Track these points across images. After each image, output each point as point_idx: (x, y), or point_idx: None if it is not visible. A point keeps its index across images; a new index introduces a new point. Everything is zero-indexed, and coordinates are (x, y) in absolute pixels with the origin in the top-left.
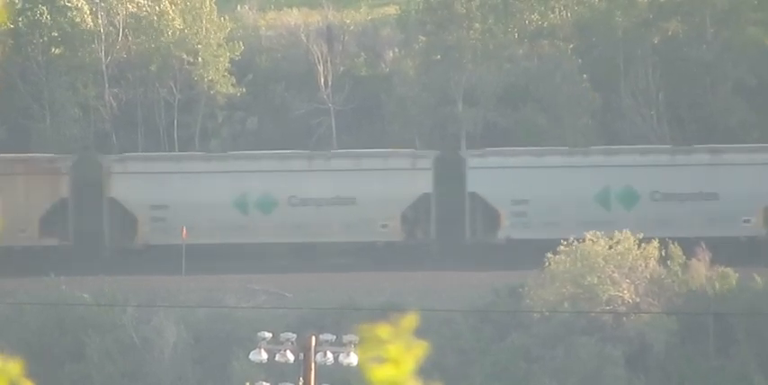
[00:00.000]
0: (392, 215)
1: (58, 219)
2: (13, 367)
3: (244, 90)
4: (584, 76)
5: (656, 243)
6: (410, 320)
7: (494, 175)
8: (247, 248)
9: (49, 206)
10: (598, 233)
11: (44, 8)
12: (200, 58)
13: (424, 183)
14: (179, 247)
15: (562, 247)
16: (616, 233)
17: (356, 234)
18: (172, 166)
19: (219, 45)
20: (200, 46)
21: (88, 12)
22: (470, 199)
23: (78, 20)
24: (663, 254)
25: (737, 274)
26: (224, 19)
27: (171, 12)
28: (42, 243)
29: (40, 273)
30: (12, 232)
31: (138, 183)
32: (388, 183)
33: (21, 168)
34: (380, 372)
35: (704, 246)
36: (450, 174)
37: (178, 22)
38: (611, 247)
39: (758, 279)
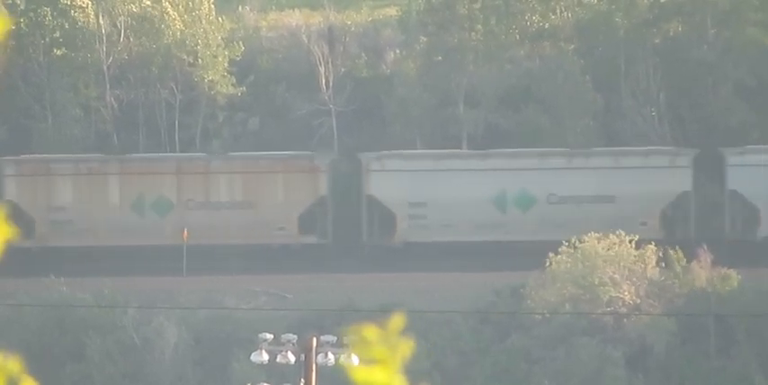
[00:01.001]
0: (651, 213)
1: (316, 216)
2: (14, 364)
3: (244, 89)
4: (586, 76)
5: (653, 245)
6: (397, 321)
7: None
8: (504, 246)
9: (309, 204)
10: (596, 234)
11: (46, 9)
12: (199, 59)
13: (683, 181)
14: (438, 245)
15: (563, 248)
16: (611, 236)
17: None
18: (430, 164)
19: (219, 46)
20: (199, 47)
21: (91, 13)
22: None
23: (80, 21)
24: (661, 255)
25: (739, 276)
26: (223, 19)
27: (171, 13)
28: (301, 241)
29: (300, 271)
30: (271, 230)
31: (396, 181)
32: (647, 182)
33: (280, 167)
34: (367, 374)
35: (705, 248)
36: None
37: (178, 23)
38: (609, 248)
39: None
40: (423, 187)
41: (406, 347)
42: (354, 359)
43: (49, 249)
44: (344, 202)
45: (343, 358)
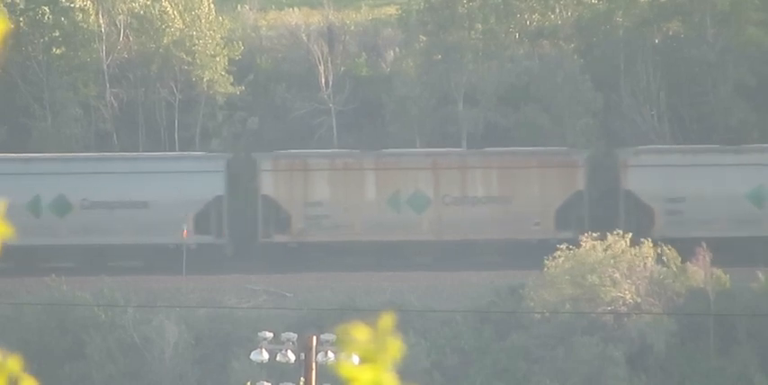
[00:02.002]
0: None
1: (573, 211)
2: (13, 363)
3: (243, 88)
4: (586, 75)
5: (649, 243)
6: (387, 320)
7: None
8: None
9: (565, 199)
10: (593, 235)
11: (46, 8)
12: (197, 59)
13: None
14: (695, 240)
15: (560, 252)
16: (609, 236)
17: None
18: (686, 159)
19: (218, 45)
20: (198, 47)
21: (91, 12)
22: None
23: (79, 20)
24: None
25: (736, 275)
26: (222, 19)
27: (171, 12)
28: (558, 236)
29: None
30: (526, 225)
31: (652, 176)
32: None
33: (535, 161)
34: (358, 374)
35: (705, 247)
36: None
37: (178, 22)
38: (606, 249)
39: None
40: (679, 182)
41: (396, 346)
42: (354, 358)
43: (306, 245)
44: (600, 197)
45: (334, 359)
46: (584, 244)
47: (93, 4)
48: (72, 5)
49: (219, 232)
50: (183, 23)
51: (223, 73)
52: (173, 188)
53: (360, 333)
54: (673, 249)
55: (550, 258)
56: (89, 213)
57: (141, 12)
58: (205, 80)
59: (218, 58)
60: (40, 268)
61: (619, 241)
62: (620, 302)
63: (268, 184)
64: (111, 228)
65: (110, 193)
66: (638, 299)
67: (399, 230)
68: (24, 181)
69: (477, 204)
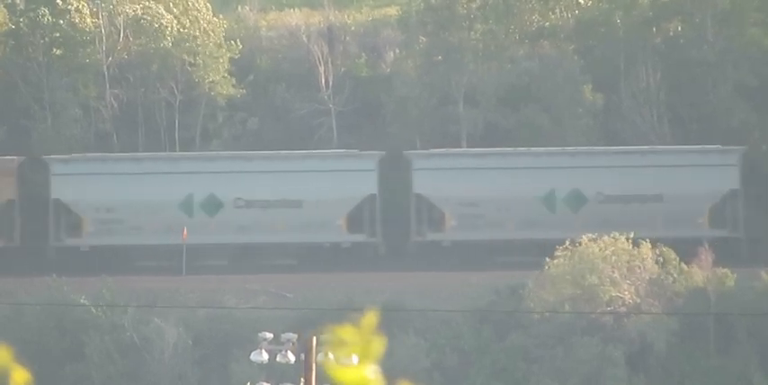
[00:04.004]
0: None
1: (726, 210)
2: (2, 354)
3: (244, 90)
4: (586, 76)
5: (648, 244)
6: (371, 318)
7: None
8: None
9: (720, 198)
10: (592, 235)
11: (45, 10)
12: (199, 60)
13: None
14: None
15: (559, 252)
16: (605, 237)
17: None
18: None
19: (218, 45)
20: (198, 47)
21: (89, 13)
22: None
23: (79, 21)
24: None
25: (735, 275)
26: (220, 18)
27: (167, 16)
28: (715, 234)
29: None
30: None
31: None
32: (334, 186)
33: (686, 160)
34: (344, 373)
35: (706, 247)
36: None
37: (177, 23)
38: (604, 249)
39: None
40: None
41: (379, 344)
42: (355, 358)
43: (458, 243)
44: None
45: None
46: (583, 243)
47: (92, 6)
48: (70, 8)
49: (372, 231)
50: (182, 25)
51: (225, 75)
52: (326, 187)
53: (345, 333)
54: (671, 250)
55: (549, 259)
56: (241, 212)
57: (140, 13)
58: (207, 81)
59: (220, 60)
60: (191, 267)
61: (619, 240)
62: (620, 302)
63: (419, 183)
64: (265, 227)
65: (263, 192)
66: (638, 300)
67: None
68: (176, 180)
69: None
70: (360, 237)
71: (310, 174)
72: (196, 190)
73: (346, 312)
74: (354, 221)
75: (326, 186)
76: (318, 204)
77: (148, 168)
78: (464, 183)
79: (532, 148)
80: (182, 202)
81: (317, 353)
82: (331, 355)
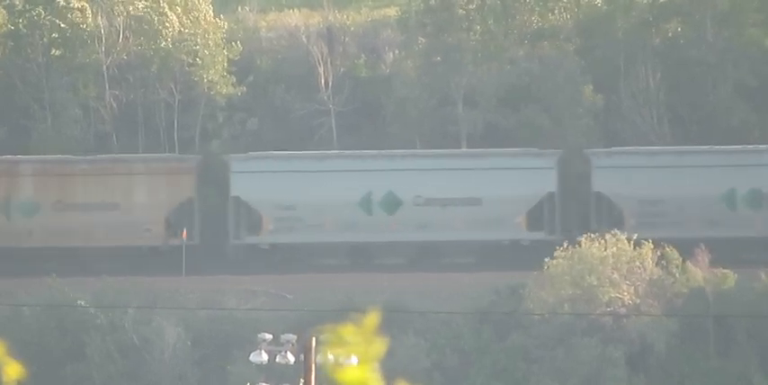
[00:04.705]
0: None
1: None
2: None
3: (244, 89)
4: (586, 76)
5: (650, 245)
6: (372, 319)
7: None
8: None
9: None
10: (593, 235)
11: (42, 10)
12: (198, 59)
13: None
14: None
15: (559, 252)
16: (608, 236)
17: None
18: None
19: (218, 45)
20: (198, 47)
21: (89, 13)
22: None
23: (78, 21)
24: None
25: (736, 275)
26: (220, 19)
27: (170, 14)
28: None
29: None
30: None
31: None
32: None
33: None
34: (345, 372)
35: (704, 248)
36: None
37: (176, 24)
38: (606, 249)
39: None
40: (290, 189)
41: (380, 345)
42: (354, 358)
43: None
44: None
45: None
46: (583, 243)
47: (91, 5)
48: (69, 5)
49: (552, 229)
50: (182, 25)
51: (224, 74)
52: (506, 184)
53: (346, 333)
54: (674, 250)
55: (549, 259)
56: (421, 210)
57: (140, 13)
58: (206, 80)
59: (218, 59)
60: (370, 264)
61: (620, 241)
62: (619, 303)
63: (600, 181)
64: (444, 225)
65: (442, 190)
66: (637, 301)
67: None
68: (356, 178)
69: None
70: (539, 235)
71: (490, 171)
72: (375, 188)
73: (346, 313)
74: (534, 219)
75: (506, 184)
76: (498, 202)
77: (328, 166)
78: (646, 182)
79: (714, 147)
80: (361, 200)
81: (316, 354)
82: (331, 356)
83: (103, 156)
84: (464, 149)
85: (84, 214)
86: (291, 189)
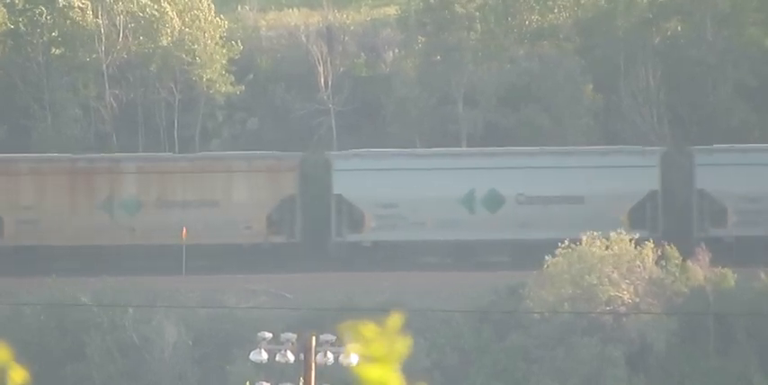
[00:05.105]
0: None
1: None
2: (1, 352)
3: (243, 88)
4: (586, 76)
5: (651, 244)
6: (396, 319)
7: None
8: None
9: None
10: (595, 234)
11: (42, 9)
12: (197, 58)
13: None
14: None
15: (559, 250)
16: (612, 234)
17: None
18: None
19: (217, 44)
20: (197, 46)
21: (90, 12)
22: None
23: (78, 20)
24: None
25: (736, 275)
26: (220, 18)
27: (170, 12)
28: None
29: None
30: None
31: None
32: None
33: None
34: (368, 371)
35: (704, 247)
36: None
37: (177, 22)
38: (607, 248)
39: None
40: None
41: (404, 345)
42: (353, 357)
43: (742, 239)
44: None
45: (342, 358)
46: (584, 242)
47: (91, 4)
48: (70, 3)
49: (654, 226)
50: (183, 23)
51: (223, 72)
52: (608, 182)
53: (368, 331)
54: (674, 249)
55: (549, 258)
56: (523, 208)
57: (139, 13)
58: (205, 79)
59: (218, 57)
60: (472, 262)
61: (622, 241)
62: (619, 302)
63: (702, 179)
64: (547, 223)
65: (545, 188)
66: (637, 300)
67: None
68: (458, 175)
69: None
70: (641, 233)
71: (592, 169)
72: (478, 185)
73: (346, 312)
74: (636, 217)
75: (609, 182)
76: (600, 200)
77: (430, 164)
78: (747, 180)
79: None
80: (463, 198)
81: (316, 353)
82: (353, 354)
83: (204, 153)
84: (567, 147)
85: (183, 212)
86: (393, 187)
